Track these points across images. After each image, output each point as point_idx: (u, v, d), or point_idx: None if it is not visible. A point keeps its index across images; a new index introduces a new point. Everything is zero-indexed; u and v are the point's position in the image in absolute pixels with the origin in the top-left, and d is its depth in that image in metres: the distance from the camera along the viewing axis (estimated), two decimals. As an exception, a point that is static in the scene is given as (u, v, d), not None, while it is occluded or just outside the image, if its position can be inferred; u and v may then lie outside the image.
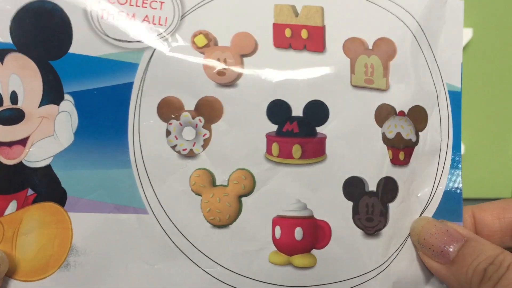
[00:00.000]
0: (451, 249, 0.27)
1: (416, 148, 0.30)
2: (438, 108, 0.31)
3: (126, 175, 0.29)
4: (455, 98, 0.31)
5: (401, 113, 0.30)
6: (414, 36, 0.30)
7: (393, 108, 0.30)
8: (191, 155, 0.30)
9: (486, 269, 0.26)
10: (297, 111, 0.30)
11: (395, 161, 0.30)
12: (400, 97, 0.30)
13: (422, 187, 0.31)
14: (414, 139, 0.30)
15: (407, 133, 0.30)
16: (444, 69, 0.31)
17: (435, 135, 0.31)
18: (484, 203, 0.32)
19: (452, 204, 0.30)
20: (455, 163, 0.31)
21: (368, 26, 0.30)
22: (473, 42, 0.51)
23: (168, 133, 0.30)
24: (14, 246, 0.29)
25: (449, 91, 0.31)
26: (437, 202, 0.30)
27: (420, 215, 0.30)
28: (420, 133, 0.30)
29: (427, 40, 0.30)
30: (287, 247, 0.29)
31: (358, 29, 0.30)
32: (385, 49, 0.30)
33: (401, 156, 0.30)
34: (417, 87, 0.30)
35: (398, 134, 0.29)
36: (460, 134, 0.31)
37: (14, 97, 0.29)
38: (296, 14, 0.30)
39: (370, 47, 0.30)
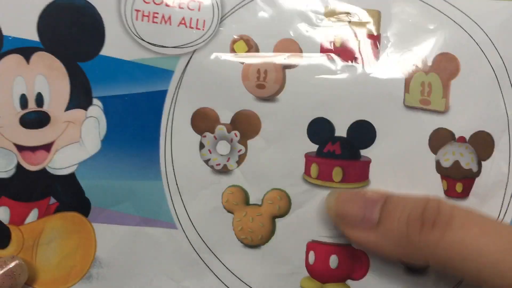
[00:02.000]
0: (373, 210, 0.25)
1: (477, 180, 0.28)
2: (508, 135, 0.28)
3: (155, 188, 0.28)
4: None
5: (461, 139, 0.27)
6: (484, 53, 0.27)
7: (451, 133, 0.27)
8: (224, 170, 0.28)
9: (422, 215, 0.24)
10: (341, 131, 0.27)
11: (450, 193, 0.27)
12: (461, 121, 0.27)
13: None
14: (475, 169, 0.27)
15: (467, 162, 0.27)
16: None
17: (502, 165, 0.28)
18: None
19: None
20: None
21: (430, 38, 0.27)
22: None
23: (201, 146, 0.28)
24: (34, 255, 0.28)
25: None
26: None
27: None
28: (483, 163, 0.28)
29: (501, 58, 0.27)
30: (321, 274, 0.28)
31: (419, 40, 0.27)
32: (446, 66, 0.27)
33: (459, 188, 0.27)
34: (483, 111, 0.27)
35: (456, 162, 0.27)
36: None
37: (39, 99, 0.27)
38: (349, 20, 0.27)
39: (430, 63, 0.27)
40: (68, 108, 0.28)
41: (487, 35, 0.27)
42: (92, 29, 0.27)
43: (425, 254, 0.24)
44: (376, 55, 0.27)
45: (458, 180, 0.27)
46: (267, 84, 0.27)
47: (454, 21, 0.27)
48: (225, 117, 0.28)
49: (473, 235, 0.23)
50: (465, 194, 0.27)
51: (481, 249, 0.22)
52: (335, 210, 0.26)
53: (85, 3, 0.27)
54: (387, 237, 0.25)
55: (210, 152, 0.28)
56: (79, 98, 0.27)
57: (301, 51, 0.27)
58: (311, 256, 0.28)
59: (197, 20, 0.27)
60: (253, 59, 0.27)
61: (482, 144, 0.27)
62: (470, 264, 0.23)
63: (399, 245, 0.24)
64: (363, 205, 0.25)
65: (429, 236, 0.23)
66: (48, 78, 0.27)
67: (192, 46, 0.27)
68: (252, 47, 0.27)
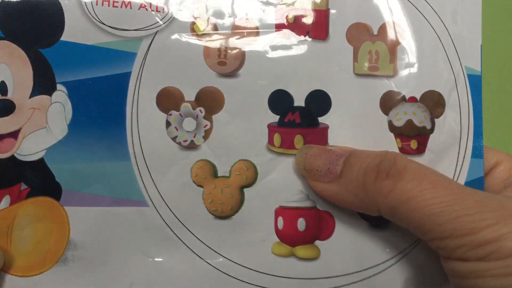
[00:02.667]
0: (336, 163, 0.27)
1: (431, 137, 0.29)
2: (456, 93, 0.29)
3: (124, 168, 0.29)
4: (475, 82, 0.30)
5: (412, 99, 0.29)
6: (426, 19, 0.29)
7: (400, 95, 0.29)
8: (192, 146, 0.29)
9: (378, 166, 0.26)
10: (299, 101, 0.29)
11: (405, 151, 0.29)
12: (409, 83, 0.29)
13: None
14: (429, 126, 0.29)
15: (420, 120, 0.29)
16: (462, 51, 0.29)
17: (454, 122, 0.29)
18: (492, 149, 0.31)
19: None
20: (477, 152, 0.29)
21: (374, 9, 0.29)
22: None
23: (168, 124, 0.29)
24: (9, 241, 0.28)
25: (468, 75, 0.29)
26: None
27: None
28: (436, 120, 0.29)
29: (442, 22, 0.29)
30: (290, 238, 0.29)
31: (364, 13, 0.29)
32: (391, 34, 0.29)
33: (413, 144, 0.29)
34: (430, 72, 0.29)
35: (409, 121, 0.29)
36: (481, 121, 0.29)
37: (3, 88, 0.28)
38: None
39: (375, 32, 0.29)
40: (33, 95, 0.28)
41: (428, 2, 0.29)
42: (51, 15, 0.28)
43: (378, 203, 0.26)
44: (326, 29, 0.29)
45: (412, 138, 0.29)
46: (228, 61, 0.29)
47: None
48: (190, 94, 0.29)
49: (421, 187, 0.24)
50: (421, 150, 0.29)
51: (427, 200, 0.24)
52: (303, 164, 0.28)
53: (44, -10, 0.27)
54: (347, 187, 0.26)
55: (177, 130, 0.29)
56: (43, 85, 0.28)
57: (257, 29, 0.29)
58: (280, 221, 0.29)
59: (157, 2, 0.28)
60: (213, 37, 0.29)
61: (434, 103, 0.29)
62: (415, 213, 0.24)
63: (357, 195, 0.26)
64: (328, 159, 0.27)
65: (382, 185, 0.25)
66: (10, 66, 0.28)
67: (153, 28, 0.28)
68: (211, 26, 0.29)
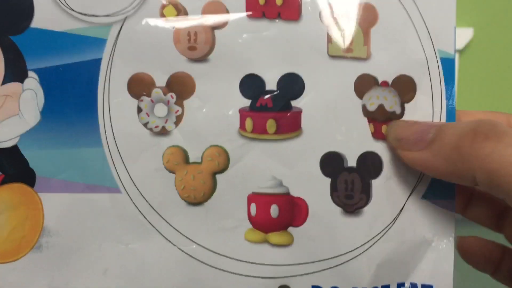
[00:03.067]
0: (429, 132, 0.26)
1: None
2: (429, 77, 0.29)
3: (97, 154, 0.29)
4: (449, 65, 0.29)
5: (384, 83, 0.28)
6: (400, 1, 0.28)
7: (374, 78, 0.28)
8: (163, 132, 0.29)
9: (476, 128, 0.24)
10: (271, 85, 0.29)
11: (377, 135, 0.28)
12: (383, 66, 0.28)
13: None
14: (398, 111, 0.29)
15: (391, 105, 0.28)
16: (436, 34, 0.29)
17: (426, 106, 0.29)
18: (470, 110, 0.30)
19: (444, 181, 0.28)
20: None
21: None
22: (473, 42, 0.50)
23: (139, 110, 0.29)
24: (-16, 228, 0.28)
25: (441, 58, 0.29)
26: (429, 178, 0.29)
27: (411, 193, 0.29)
28: (406, 105, 0.29)
29: (415, 4, 0.28)
30: (263, 225, 0.29)
31: None
32: (365, 15, 0.28)
33: (384, 129, 0.28)
34: (402, 55, 0.28)
35: (381, 106, 0.28)
36: (454, 105, 0.29)
37: (-25, 76, 0.28)
38: None
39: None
40: (4, 82, 0.28)
41: None
42: (19, 2, 0.28)
43: (474, 167, 0.24)
44: (299, 10, 0.28)
45: (383, 122, 0.28)
46: (198, 46, 0.28)
47: None
48: (161, 80, 0.29)
49: None
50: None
51: None
52: (394, 134, 0.28)
53: (13, -22, 0.28)
54: (439, 153, 0.25)
55: (148, 115, 0.29)
56: (14, 72, 0.28)
57: (228, 12, 0.29)
58: (253, 208, 0.29)
59: (125, -12, 0.28)
60: (183, 22, 0.28)
61: (404, 87, 0.28)
62: None
63: (450, 159, 0.25)
64: (420, 128, 0.27)
65: (480, 147, 0.24)
66: (-19, 54, 0.28)
67: (123, 13, 0.28)
68: (180, 11, 0.28)
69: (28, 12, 0.28)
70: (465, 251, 0.31)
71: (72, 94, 0.28)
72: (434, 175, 0.27)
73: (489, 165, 0.23)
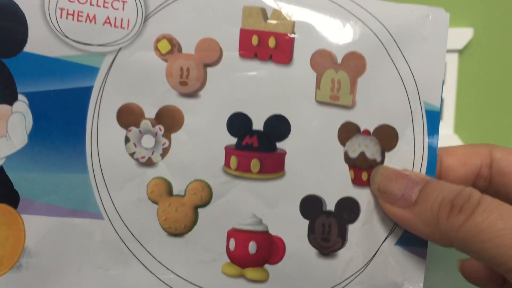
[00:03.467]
0: (412, 191, 0.27)
1: None
2: (412, 128, 0.29)
3: (82, 180, 0.29)
4: (433, 117, 0.30)
5: (366, 132, 0.29)
6: (388, 52, 0.29)
7: (357, 127, 0.29)
8: (149, 163, 0.29)
9: (453, 200, 0.26)
10: (258, 125, 0.29)
11: (357, 181, 0.29)
12: (366, 115, 0.29)
13: None
14: (379, 160, 0.29)
15: (372, 152, 0.29)
16: (423, 87, 0.29)
17: (407, 156, 0.29)
18: (451, 146, 0.31)
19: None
20: None
21: (340, 37, 0.29)
22: (473, 42, 0.50)
23: (127, 140, 0.29)
24: (-36, 246, 0.29)
25: (426, 110, 0.29)
26: None
27: (385, 239, 0.30)
28: (386, 153, 0.30)
29: (404, 57, 0.29)
30: (241, 260, 0.29)
31: (330, 40, 0.29)
32: (354, 64, 0.29)
33: (364, 176, 0.29)
34: (387, 105, 0.29)
35: (362, 154, 0.29)
36: (435, 157, 0.29)
37: (-35, 95, 0.28)
38: (266, 18, 0.29)
39: (339, 61, 0.29)
40: (-6, 103, 0.28)
41: (392, 36, 0.29)
42: (14, 26, 0.28)
43: (450, 237, 0.26)
44: (290, 54, 0.29)
45: (364, 170, 0.29)
46: (190, 82, 0.29)
47: (362, 22, 0.29)
48: (150, 112, 0.29)
49: (492, 219, 0.24)
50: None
51: (498, 231, 0.24)
52: (378, 185, 0.28)
53: (8, 1, 0.28)
54: (420, 217, 0.27)
55: (135, 146, 0.29)
56: (4, 94, 0.28)
57: (221, 50, 0.29)
58: (232, 243, 0.29)
59: (122, 19, 0.28)
60: (176, 57, 0.29)
61: (386, 137, 0.29)
62: (487, 245, 0.24)
63: (429, 226, 0.26)
64: (404, 185, 0.27)
65: (454, 220, 0.25)
66: (-27, 74, 0.28)
67: (117, 44, 0.29)
68: (175, 45, 0.29)
69: (22, 36, 0.28)
70: (469, 274, 0.32)
71: (61, 119, 0.29)
72: (413, 232, 0.28)
73: (461, 235, 0.25)
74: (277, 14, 0.29)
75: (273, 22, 0.29)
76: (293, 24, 0.29)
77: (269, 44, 0.29)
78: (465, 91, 0.53)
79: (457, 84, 0.51)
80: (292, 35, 0.29)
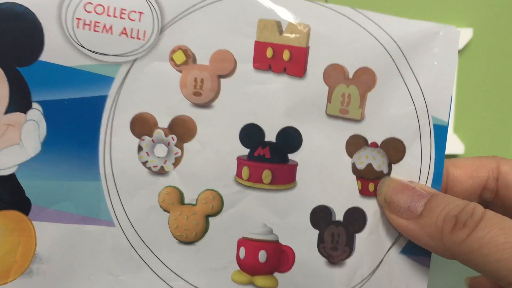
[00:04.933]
0: (417, 204, 0.28)
1: None
2: (419, 142, 0.30)
3: (94, 188, 0.29)
4: (441, 132, 0.30)
5: (373, 144, 0.30)
6: (397, 68, 0.30)
7: (364, 139, 0.30)
8: (161, 172, 0.30)
9: (457, 215, 0.26)
10: (271, 136, 0.30)
11: (364, 192, 0.30)
12: (374, 129, 0.30)
13: None
14: (386, 171, 0.30)
15: (379, 164, 0.30)
16: (431, 102, 0.30)
17: (413, 169, 0.30)
18: (459, 158, 0.32)
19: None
20: None
21: (352, 52, 0.30)
22: (473, 42, 0.51)
23: (140, 149, 0.29)
24: (-25, 252, 0.29)
25: (434, 125, 0.30)
26: None
27: (390, 248, 0.31)
28: (393, 165, 0.30)
29: (413, 72, 0.30)
30: (250, 268, 0.30)
31: (342, 54, 0.30)
32: (365, 79, 0.30)
33: (371, 187, 0.30)
34: (395, 120, 0.30)
35: (369, 165, 0.30)
36: (442, 170, 0.30)
37: (-21, 102, 0.28)
38: (281, 32, 0.30)
39: (351, 76, 0.30)
40: (8, 111, 0.28)
41: (402, 52, 0.30)
42: (31, 35, 0.28)
43: (453, 250, 0.26)
44: (304, 67, 0.30)
45: (371, 181, 0.30)
46: (203, 92, 0.29)
47: (374, 38, 0.30)
48: (163, 121, 0.29)
49: (493, 234, 0.25)
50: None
51: (498, 246, 0.25)
52: (384, 196, 0.29)
53: (25, 10, 0.28)
54: (425, 229, 0.27)
55: (148, 155, 0.29)
56: (19, 102, 0.28)
57: (235, 62, 0.29)
58: (242, 251, 0.30)
59: (138, 30, 0.29)
60: (191, 68, 0.29)
61: (394, 149, 0.30)
62: (488, 259, 0.25)
63: (433, 238, 0.27)
64: (410, 197, 0.28)
65: (457, 234, 0.26)
66: (-13, 81, 0.28)
67: (133, 55, 0.29)
68: (189, 57, 0.29)
69: (38, 45, 0.28)
70: None
71: (74, 128, 0.29)
72: (417, 244, 0.29)
73: (464, 249, 0.26)
74: (292, 27, 0.29)
75: (288, 35, 0.29)
76: (307, 37, 0.29)
77: (283, 57, 0.29)
78: (464, 91, 0.54)
79: (457, 84, 0.52)
80: (307, 48, 0.30)
